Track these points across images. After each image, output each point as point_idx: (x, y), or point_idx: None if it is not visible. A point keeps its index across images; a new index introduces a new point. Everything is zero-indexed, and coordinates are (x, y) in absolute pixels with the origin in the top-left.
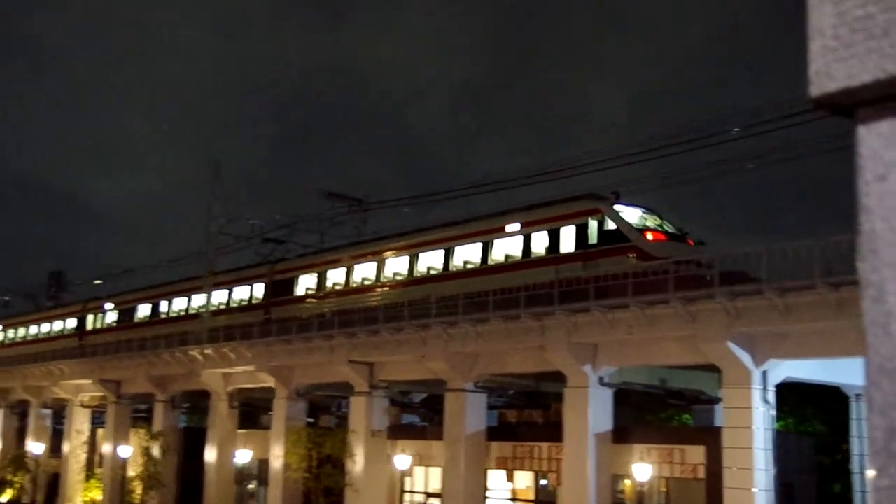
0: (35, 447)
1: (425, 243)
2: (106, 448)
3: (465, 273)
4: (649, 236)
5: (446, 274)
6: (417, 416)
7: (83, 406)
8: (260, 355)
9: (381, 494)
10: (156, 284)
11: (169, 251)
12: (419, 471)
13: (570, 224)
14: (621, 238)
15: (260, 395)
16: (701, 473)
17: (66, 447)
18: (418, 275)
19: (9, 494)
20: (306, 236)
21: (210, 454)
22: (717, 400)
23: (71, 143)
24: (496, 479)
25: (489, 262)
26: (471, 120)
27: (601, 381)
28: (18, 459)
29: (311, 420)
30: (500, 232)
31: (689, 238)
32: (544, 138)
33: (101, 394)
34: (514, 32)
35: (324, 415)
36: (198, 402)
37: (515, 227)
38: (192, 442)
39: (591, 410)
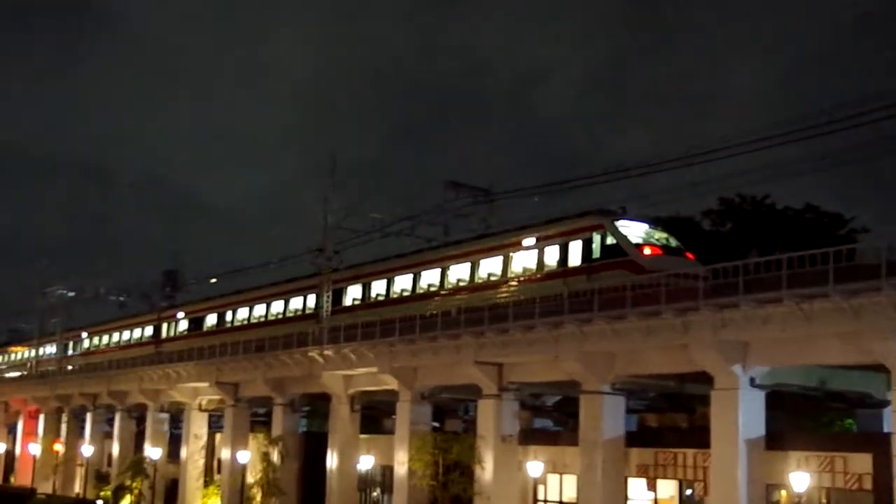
0: (153, 452)
1: (453, 257)
2: (224, 453)
3: (487, 285)
4: (646, 250)
5: (472, 286)
6: (550, 421)
7: (201, 410)
8: (382, 356)
9: (513, 503)
10: (226, 294)
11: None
12: (553, 479)
13: (577, 239)
14: (620, 252)
15: (382, 398)
16: (868, 484)
17: (183, 452)
18: (449, 286)
19: (127, 500)
20: (428, 230)
21: (331, 460)
22: (886, 403)
23: (184, 140)
24: (636, 488)
25: (508, 275)
26: (602, 102)
27: (752, 383)
28: (136, 465)
29: (436, 424)
30: (518, 246)
31: (687, 252)
32: (682, 120)
33: (218, 397)
34: (648, 5)
35: (450, 419)
36: (318, 406)
37: (531, 241)
38: (312, 447)
39: (741, 414)
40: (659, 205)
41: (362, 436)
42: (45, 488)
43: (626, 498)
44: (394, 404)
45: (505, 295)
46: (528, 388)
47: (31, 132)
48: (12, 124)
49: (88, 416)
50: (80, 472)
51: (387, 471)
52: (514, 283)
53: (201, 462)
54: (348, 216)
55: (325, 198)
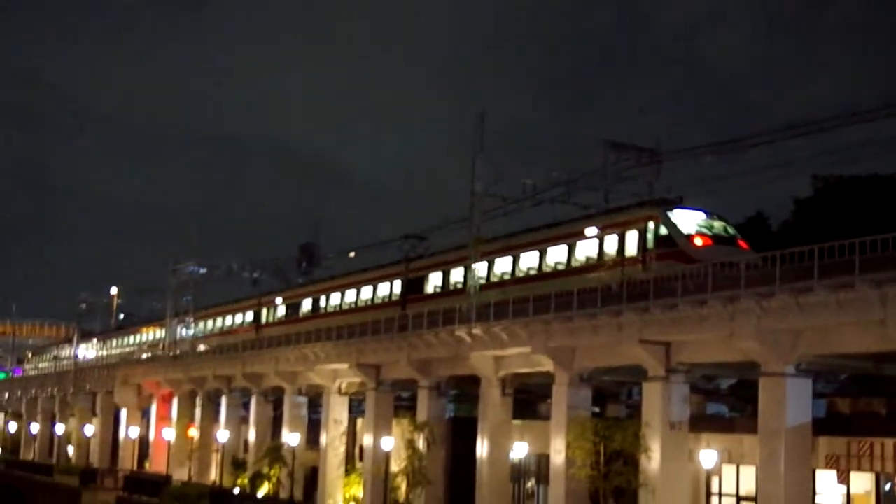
0: (291, 438)
1: (519, 246)
2: (366, 440)
3: (553, 274)
4: (698, 241)
5: (540, 275)
6: (725, 406)
7: (341, 393)
8: (536, 335)
9: (683, 497)
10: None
11: (428, 219)
12: (728, 470)
13: (633, 229)
14: (671, 243)
15: (537, 381)
16: None
17: (323, 438)
18: (520, 274)
19: (265, 489)
20: (587, 195)
21: (481, 447)
22: None
23: (319, 106)
24: (825, 481)
25: (572, 265)
26: (781, 48)
27: None
28: (274, 451)
29: (596, 410)
30: (581, 236)
31: (741, 240)
32: (877, 68)
33: (359, 380)
34: None
35: (612, 404)
36: (466, 389)
37: (594, 231)
38: (461, 434)
39: None
40: (849, 164)
41: (515, 422)
42: (180, 475)
43: (813, 492)
44: (549, 388)
45: (570, 284)
46: (700, 369)
47: (159, 104)
48: (141, 96)
49: (223, 400)
50: (215, 459)
51: (542, 460)
52: (579, 272)
53: (342, 449)
54: (497, 183)
55: (472, 163)
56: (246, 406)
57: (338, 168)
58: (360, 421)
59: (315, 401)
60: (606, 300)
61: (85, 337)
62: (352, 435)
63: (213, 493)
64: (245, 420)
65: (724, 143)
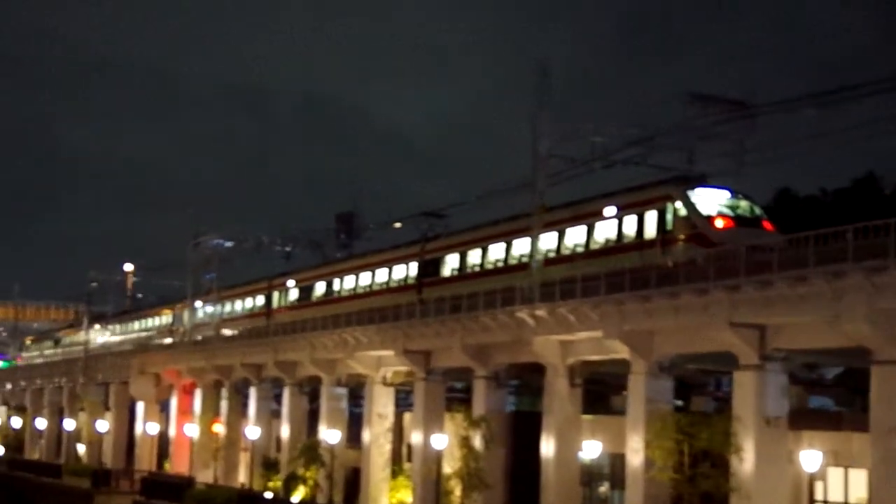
0: (329, 435)
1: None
2: (415, 437)
3: (570, 257)
4: (719, 222)
5: (555, 258)
6: (830, 399)
7: (385, 384)
8: (608, 317)
9: (781, 503)
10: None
11: (484, 183)
12: (835, 473)
13: (652, 209)
14: (690, 225)
15: (610, 370)
16: None
17: (366, 435)
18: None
19: (301, 492)
20: (666, 156)
21: (547, 446)
22: None
23: (351, 55)
24: None
25: (591, 247)
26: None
27: None
28: (310, 450)
29: (680, 403)
30: (600, 216)
31: (766, 221)
32: None
33: (406, 368)
34: None
35: (697, 396)
36: (529, 379)
37: (612, 210)
38: (523, 430)
39: None
40: None
41: (585, 416)
42: (204, 477)
43: None
44: (624, 377)
45: (590, 268)
46: (800, 356)
47: (180, 57)
48: (161, 49)
49: (252, 392)
50: (244, 459)
51: (617, 460)
52: (597, 255)
53: (387, 447)
54: (563, 142)
55: (534, 120)
56: (278, 398)
57: (374, 125)
58: (407, 415)
59: (356, 392)
60: (690, 277)
61: (96, 320)
62: (398, 431)
63: (242, 497)
64: (277, 414)
65: (827, 93)
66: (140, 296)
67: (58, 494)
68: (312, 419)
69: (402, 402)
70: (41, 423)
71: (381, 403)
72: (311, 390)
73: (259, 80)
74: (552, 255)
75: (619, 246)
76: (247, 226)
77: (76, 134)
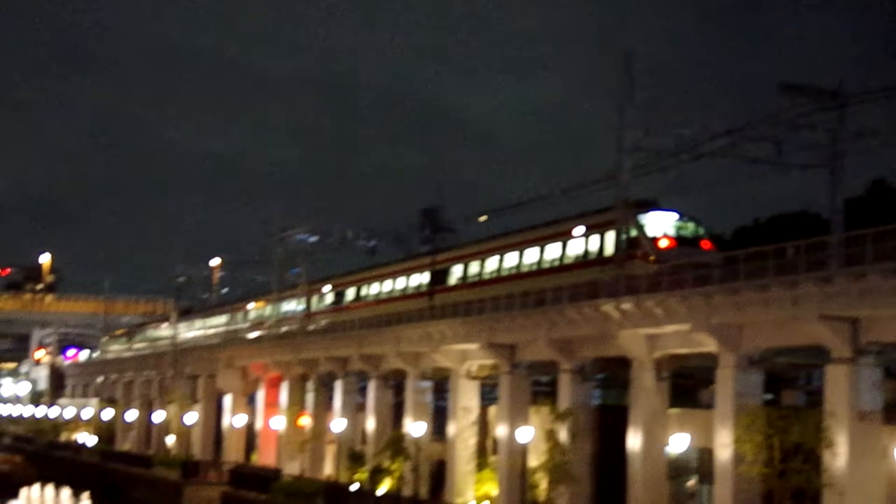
0: (414, 428)
1: (515, 244)
2: (500, 430)
3: (538, 272)
4: (663, 242)
5: (534, 271)
6: None
7: (470, 377)
8: (696, 310)
9: (876, 501)
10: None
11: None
12: None
13: (611, 230)
14: (637, 244)
15: (698, 364)
16: None
17: (451, 428)
18: (525, 269)
19: (387, 485)
20: (756, 147)
21: (634, 440)
22: None
23: (434, 48)
24: None
25: (562, 262)
26: None
27: None
28: (396, 442)
29: (770, 397)
30: (569, 235)
31: (705, 240)
32: None
33: (491, 362)
34: None
35: (788, 390)
36: (615, 373)
37: (580, 230)
38: (609, 423)
39: None
40: None
41: (672, 410)
42: (291, 469)
43: None
44: (712, 371)
45: (557, 282)
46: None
47: (265, 51)
48: (245, 44)
49: (338, 385)
50: (330, 451)
51: (705, 454)
52: (566, 270)
53: (472, 441)
54: (648, 134)
55: (618, 112)
56: (363, 391)
57: (459, 117)
58: (492, 409)
59: (441, 386)
60: (781, 269)
61: (183, 314)
62: (483, 425)
63: (329, 490)
64: (362, 407)
65: None
66: (226, 290)
67: (148, 485)
68: (397, 412)
69: (487, 396)
70: (131, 415)
71: (466, 397)
72: (395, 384)
73: (343, 73)
74: (535, 267)
75: (586, 262)
76: (331, 220)
77: (164, 130)
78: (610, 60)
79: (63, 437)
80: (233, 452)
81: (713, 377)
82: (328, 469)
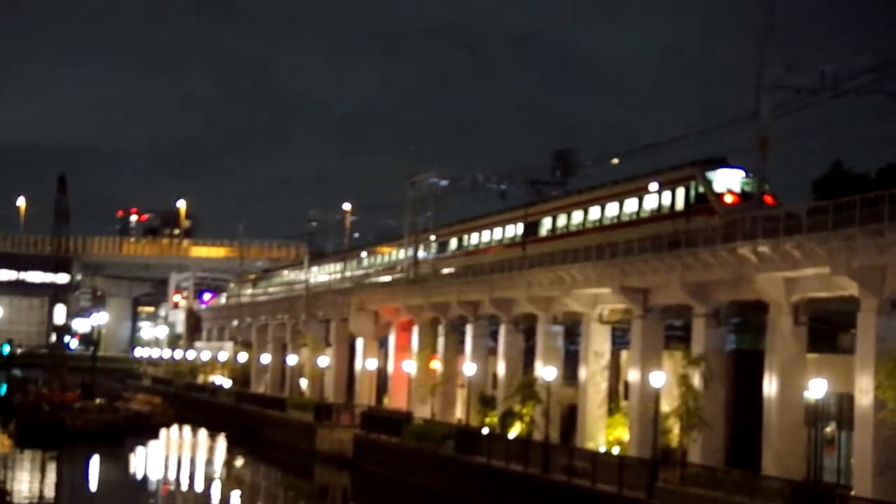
0: (545, 372)
1: (599, 198)
2: (632, 375)
3: (614, 225)
4: (727, 198)
5: (614, 224)
6: None
7: (602, 322)
8: (836, 253)
9: None
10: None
11: (704, 117)
12: None
13: (681, 186)
14: (704, 200)
15: (837, 308)
16: None
17: (582, 373)
18: (606, 223)
19: (517, 428)
20: None
21: (770, 385)
22: None
23: None
24: None
25: (639, 216)
26: None
27: None
28: (526, 386)
29: None
30: (645, 191)
31: (768, 196)
32: None
33: (623, 306)
34: None
35: None
36: (750, 317)
37: (655, 186)
38: (744, 369)
39: None
40: None
41: (810, 355)
42: (422, 412)
43: None
44: (853, 315)
45: (628, 236)
46: None
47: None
48: None
49: (469, 329)
50: (461, 395)
51: (844, 400)
52: (642, 223)
53: (604, 385)
54: (789, 71)
55: (757, 49)
56: (494, 336)
57: (588, 59)
58: (624, 353)
59: (572, 330)
60: None
61: (316, 258)
62: (615, 369)
63: (460, 433)
64: (493, 351)
65: None
66: (357, 235)
67: (282, 427)
68: (528, 356)
69: (619, 340)
70: (265, 359)
71: (598, 341)
72: (526, 328)
73: (471, 16)
74: (615, 220)
75: (660, 215)
76: (461, 165)
77: (297, 78)
78: None
79: (200, 379)
80: (364, 396)
81: (853, 321)
82: (458, 413)
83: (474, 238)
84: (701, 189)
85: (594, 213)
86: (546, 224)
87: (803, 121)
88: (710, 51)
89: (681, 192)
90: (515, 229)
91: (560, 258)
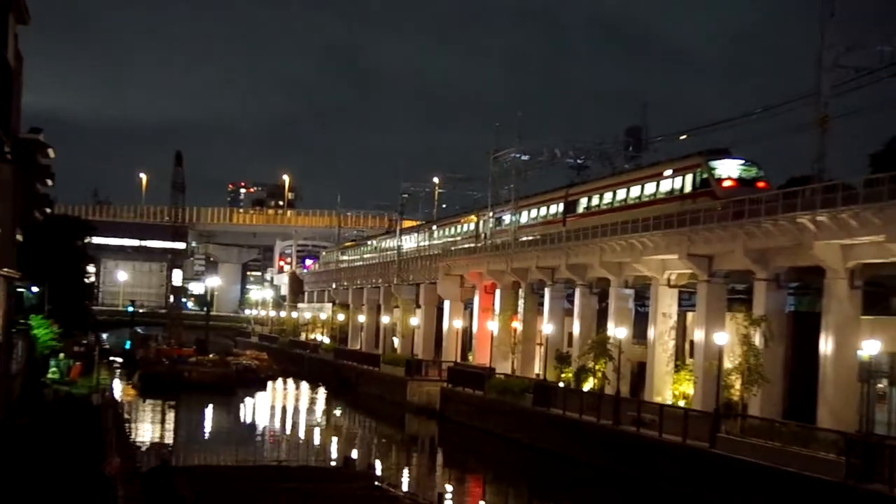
0: (617, 332)
1: (626, 181)
2: (697, 335)
3: (639, 204)
4: (726, 183)
5: (633, 204)
6: None
7: (669, 285)
8: (893, 222)
9: None
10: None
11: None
12: None
13: (689, 173)
14: (706, 184)
15: (891, 272)
16: None
17: (651, 332)
18: (631, 202)
19: (591, 383)
20: None
21: (825, 345)
22: None
23: None
24: None
25: (656, 196)
26: None
27: None
28: (599, 345)
29: None
30: (661, 176)
31: (761, 181)
32: None
33: (689, 271)
34: None
35: None
36: (808, 281)
37: (669, 172)
38: (802, 329)
39: None
40: None
41: (864, 317)
42: (503, 368)
43: None
44: None
45: (646, 214)
46: None
47: None
48: None
49: (547, 292)
50: (539, 352)
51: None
52: (659, 203)
53: (671, 344)
54: (850, 51)
55: (820, 29)
56: (570, 298)
57: (665, 42)
58: (690, 315)
59: (642, 293)
60: None
61: (407, 227)
62: (681, 329)
63: (538, 387)
64: (569, 313)
65: None
66: (445, 206)
67: (376, 381)
68: (601, 317)
69: (685, 303)
70: (361, 318)
71: (666, 304)
72: (600, 291)
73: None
74: (637, 200)
75: (671, 197)
76: (539, 140)
77: (385, 55)
78: None
79: (302, 337)
80: (451, 353)
81: None
82: (536, 369)
83: (535, 212)
84: (705, 175)
85: (621, 194)
86: (582, 203)
87: (862, 98)
88: (784, 31)
89: (689, 177)
90: (557, 208)
91: (631, 227)
